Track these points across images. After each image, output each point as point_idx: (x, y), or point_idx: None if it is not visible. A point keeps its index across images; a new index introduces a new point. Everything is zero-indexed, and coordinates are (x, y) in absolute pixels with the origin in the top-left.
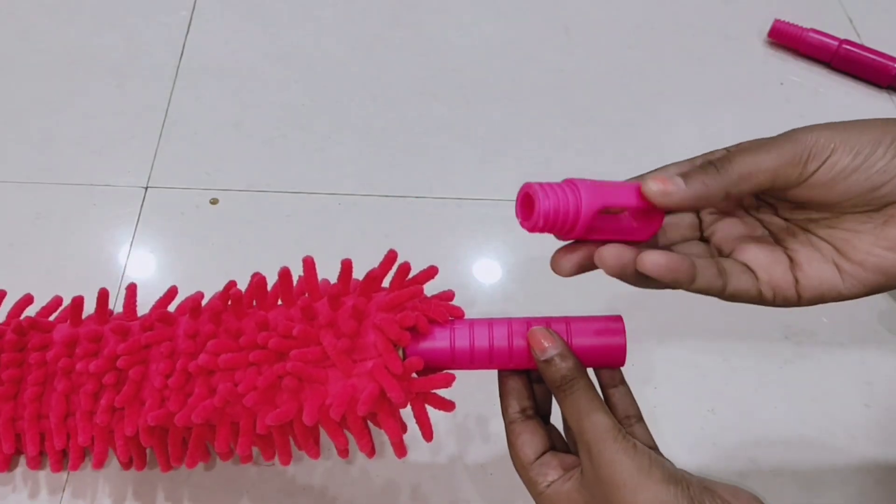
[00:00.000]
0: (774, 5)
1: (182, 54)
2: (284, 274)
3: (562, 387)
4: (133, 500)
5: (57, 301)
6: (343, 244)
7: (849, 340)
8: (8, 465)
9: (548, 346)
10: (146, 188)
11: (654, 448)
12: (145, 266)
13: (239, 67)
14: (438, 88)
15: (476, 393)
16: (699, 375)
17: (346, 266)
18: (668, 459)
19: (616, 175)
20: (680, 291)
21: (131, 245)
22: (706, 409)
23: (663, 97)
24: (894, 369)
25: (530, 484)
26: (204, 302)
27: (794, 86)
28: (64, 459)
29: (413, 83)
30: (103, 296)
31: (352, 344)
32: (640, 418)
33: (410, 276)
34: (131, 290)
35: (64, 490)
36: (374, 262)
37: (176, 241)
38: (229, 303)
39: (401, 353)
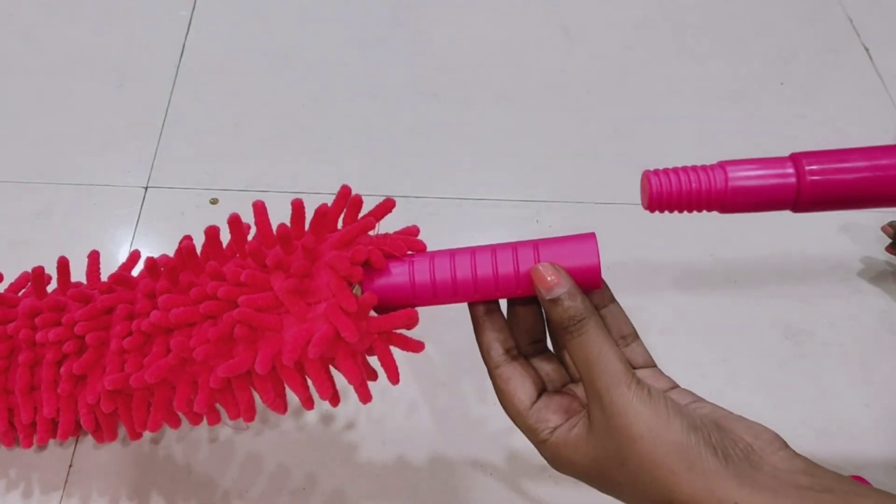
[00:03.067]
0: (774, 5)
1: (182, 54)
2: (234, 220)
3: (569, 328)
4: (133, 500)
5: (25, 277)
6: None
7: (849, 340)
8: None
9: (554, 284)
10: (146, 188)
11: (653, 366)
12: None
13: (239, 67)
14: (438, 88)
15: (474, 391)
16: (699, 375)
17: (297, 206)
18: (679, 388)
19: (615, 174)
20: (680, 292)
21: (131, 245)
22: None
23: (663, 97)
24: (894, 369)
25: (530, 432)
26: None
27: (794, 86)
28: (33, 434)
29: (413, 83)
30: (63, 265)
31: (302, 284)
32: (636, 336)
33: (366, 213)
34: (93, 257)
35: (64, 489)
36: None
37: (176, 240)
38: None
39: (357, 291)
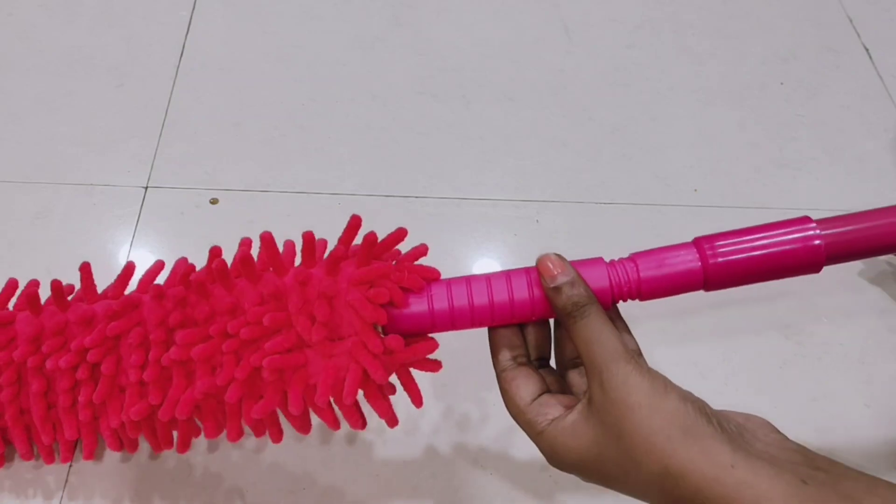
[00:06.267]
0: (774, 5)
1: (182, 54)
2: (244, 244)
3: (572, 313)
4: (134, 500)
5: (12, 284)
6: None
7: (849, 340)
8: (2, 462)
9: (557, 273)
10: (146, 188)
11: None
12: (145, 266)
13: (239, 67)
14: (438, 88)
15: (475, 391)
16: (699, 375)
17: (309, 239)
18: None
19: (615, 174)
20: None
21: (131, 245)
22: None
23: (663, 97)
24: (894, 369)
25: (528, 425)
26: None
27: (794, 86)
28: (55, 451)
29: (413, 83)
30: (57, 288)
31: (329, 331)
32: (640, 353)
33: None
34: (85, 269)
35: (65, 490)
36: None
37: (176, 241)
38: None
39: (379, 326)
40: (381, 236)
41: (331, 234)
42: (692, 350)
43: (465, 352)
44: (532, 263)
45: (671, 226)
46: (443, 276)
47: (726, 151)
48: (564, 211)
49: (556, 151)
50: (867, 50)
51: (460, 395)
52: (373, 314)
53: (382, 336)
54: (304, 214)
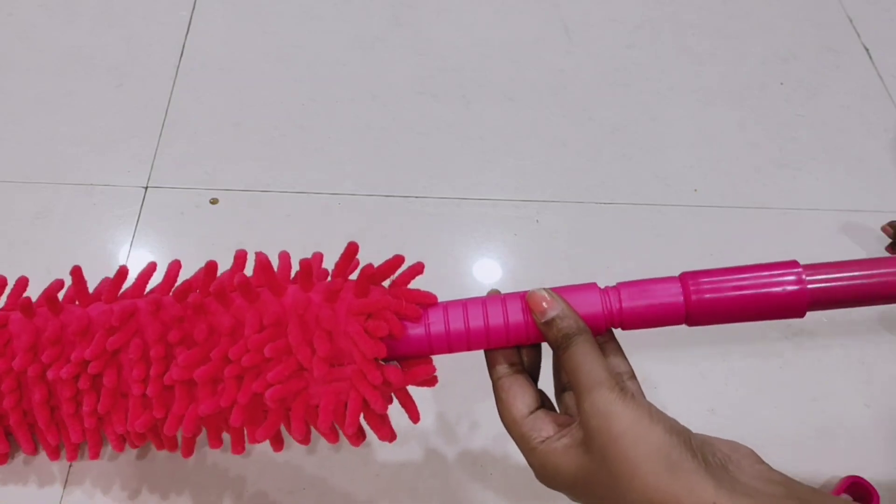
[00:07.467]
0: (774, 6)
1: (182, 54)
2: (239, 260)
3: (562, 344)
4: (134, 496)
5: (1, 282)
6: (343, 244)
7: (849, 340)
8: (6, 460)
9: (547, 308)
10: (146, 188)
11: None
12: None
13: (239, 67)
14: (438, 88)
15: (474, 391)
16: (699, 375)
17: (305, 266)
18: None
19: (615, 174)
20: None
21: (131, 245)
22: (706, 409)
23: (663, 97)
24: (894, 369)
25: (522, 439)
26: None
27: (794, 86)
28: (60, 450)
29: (413, 83)
30: (50, 294)
31: (329, 362)
32: (633, 376)
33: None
34: (77, 273)
35: (65, 487)
36: (374, 262)
37: (176, 241)
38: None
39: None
40: (380, 237)
41: (331, 234)
42: (692, 350)
43: (463, 353)
44: (532, 263)
45: (671, 226)
46: (443, 276)
47: (726, 151)
48: (564, 211)
49: (556, 151)
50: (867, 50)
51: (459, 395)
52: (373, 349)
53: (382, 365)
54: (304, 214)
